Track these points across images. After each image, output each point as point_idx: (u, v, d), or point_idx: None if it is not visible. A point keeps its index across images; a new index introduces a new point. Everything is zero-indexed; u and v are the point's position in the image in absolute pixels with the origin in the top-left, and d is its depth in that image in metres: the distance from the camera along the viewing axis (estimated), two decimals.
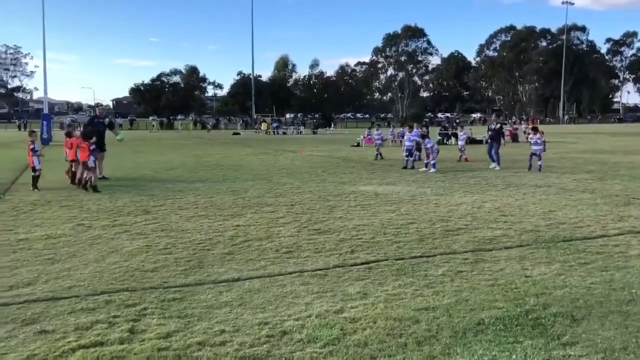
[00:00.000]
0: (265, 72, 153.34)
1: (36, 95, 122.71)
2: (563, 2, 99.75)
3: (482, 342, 4.19)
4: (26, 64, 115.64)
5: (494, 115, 20.94)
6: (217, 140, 41.11)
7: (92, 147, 13.04)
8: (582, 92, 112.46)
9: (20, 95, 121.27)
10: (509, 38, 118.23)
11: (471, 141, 29.97)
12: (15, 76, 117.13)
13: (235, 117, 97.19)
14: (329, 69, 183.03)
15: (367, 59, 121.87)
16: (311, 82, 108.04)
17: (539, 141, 16.91)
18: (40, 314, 4.87)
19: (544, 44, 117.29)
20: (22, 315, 4.84)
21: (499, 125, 19.33)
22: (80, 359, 3.96)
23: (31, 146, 13.33)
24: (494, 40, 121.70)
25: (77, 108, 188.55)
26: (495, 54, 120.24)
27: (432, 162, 17.24)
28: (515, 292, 5.36)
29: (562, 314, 4.74)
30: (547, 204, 10.58)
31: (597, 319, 4.62)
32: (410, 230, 8.26)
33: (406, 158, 18.39)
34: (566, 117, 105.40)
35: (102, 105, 16.44)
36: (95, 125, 15.52)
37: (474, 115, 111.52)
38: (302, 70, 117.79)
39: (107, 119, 16.14)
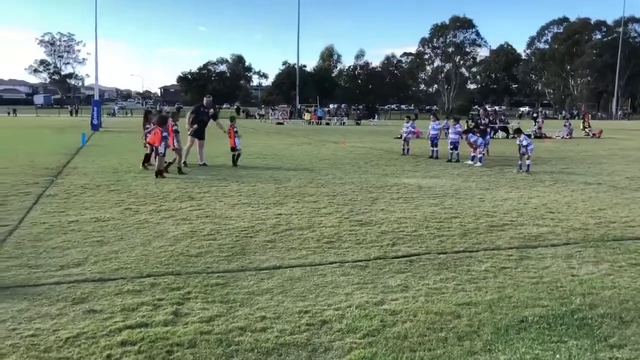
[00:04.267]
0: (310, 62, 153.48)
1: (87, 81, 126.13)
2: None
3: (525, 340, 4.12)
4: (79, 51, 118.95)
5: (481, 110, 22.72)
6: (260, 129, 41.49)
7: (164, 133, 13.49)
8: (638, 87, 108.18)
9: (72, 81, 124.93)
10: (561, 30, 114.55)
11: (536, 136, 31.28)
12: (68, 63, 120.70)
13: (279, 106, 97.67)
14: (375, 60, 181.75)
15: (413, 50, 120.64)
16: (356, 72, 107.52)
17: (456, 129, 18.25)
18: (89, 293, 5.04)
19: (599, 36, 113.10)
20: (72, 294, 5.02)
21: (487, 120, 21.25)
22: (126, 338, 4.09)
23: (234, 129, 15.76)
24: (546, 32, 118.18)
25: (126, 95, 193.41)
26: (547, 46, 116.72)
27: (478, 155, 16.95)
28: (560, 290, 5.24)
29: (610, 315, 4.61)
30: (597, 202, 10.26)
31: None
32: (454, 225, 8.15)
33: (451, 151, 18.15)
34: (619, 112, 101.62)
35: (209, 96, 16.96)
36: (200, 114, 16.23)
37: (522, 108, 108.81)
38: (348, 61, 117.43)
39: (211, 110, 16.68)
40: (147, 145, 14.49)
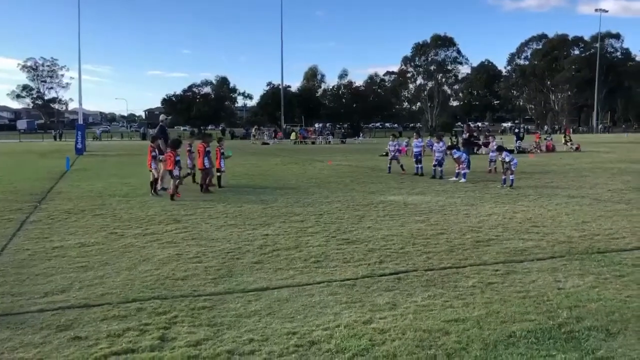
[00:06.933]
0: (295, 83, 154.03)
1: (71, 106, 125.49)
2: (596, 10, 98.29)
3: (514, 355, 4.12)
4: (62, 75, 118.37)
5: (465, 126, 24.27)
6: (246, 150, 41.47)
7: (178, 157, 13.57)
8: (617, 101, 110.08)
9: (56, 106, 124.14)
10: (540, 46, 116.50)
11: (519, 151, 31.81)
12: (51, 88, 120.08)
13: (264, 127, 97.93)
14: (358, 79, 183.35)
15: (396, 69, 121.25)
16: (340, 92, 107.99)
17: (440, 149, 18.37)
18: (73, 320, 4.97)
19: (577, 52, 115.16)
20: (57, 321, 4.94)
21: (468, 134, 22.12)
22: None
23: (221, 150, 16.03)
24: (525, 48, 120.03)
25: (110, 119, 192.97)
26: (527, 62, 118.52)
27: (462, 172, 17.07)
28: (547, 304, 5.26)
29: (597, 327, 4.64)
30: (581, 215, 10.37)
31: (633, 334, 4.50)
32: (440, 241, 8.18)
33: (434, 168, 18.27)
34: (600, 126, 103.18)
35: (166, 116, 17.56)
36: (167, 134, 16.44)
37: (504, 124, 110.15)
38: (331, 81, 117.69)
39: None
40: (151, 170, 14.40)
